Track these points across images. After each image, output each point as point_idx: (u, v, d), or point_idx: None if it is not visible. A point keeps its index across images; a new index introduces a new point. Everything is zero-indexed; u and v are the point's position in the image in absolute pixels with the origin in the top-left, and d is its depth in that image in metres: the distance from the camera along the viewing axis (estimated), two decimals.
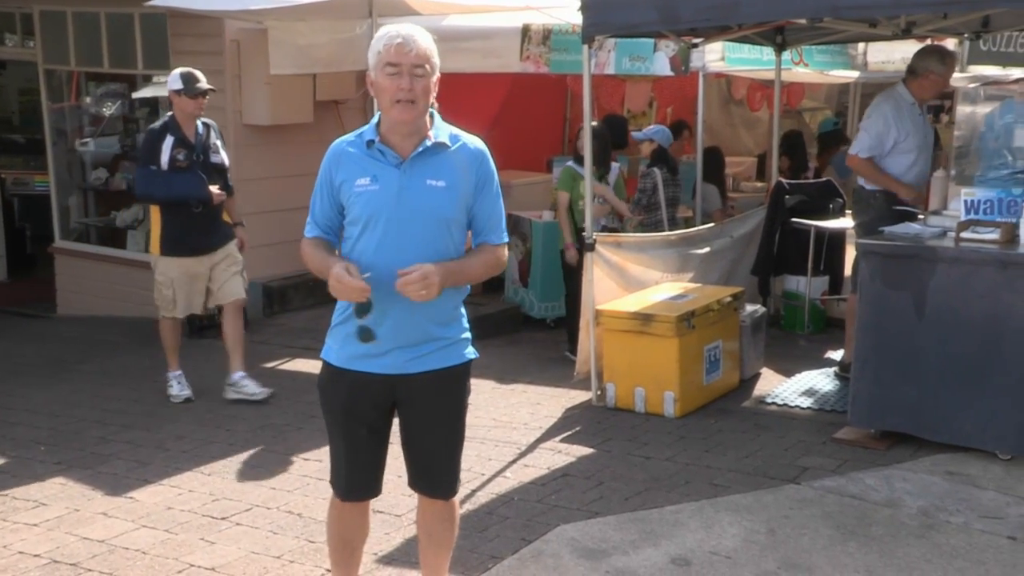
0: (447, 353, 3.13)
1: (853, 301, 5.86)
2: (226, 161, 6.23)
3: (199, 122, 6.06)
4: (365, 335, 3.00)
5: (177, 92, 5.95)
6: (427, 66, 2.96)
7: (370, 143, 3.02)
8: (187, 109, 5.96)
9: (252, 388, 6.15)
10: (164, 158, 5.89)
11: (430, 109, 3.05)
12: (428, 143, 3.01)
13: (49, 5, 9.47)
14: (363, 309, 2.95)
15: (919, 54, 5.99)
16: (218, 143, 6.18)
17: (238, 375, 6.18)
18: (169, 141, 5.91)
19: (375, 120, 3.08)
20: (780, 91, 7.86)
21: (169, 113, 6.09)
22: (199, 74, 6.04)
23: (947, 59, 5.92)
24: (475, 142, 3.11)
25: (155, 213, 6.08)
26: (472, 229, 3.12)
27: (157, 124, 6.06)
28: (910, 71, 5.93)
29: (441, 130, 3.06)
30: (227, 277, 6.19)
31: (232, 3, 7.51)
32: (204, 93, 6.01)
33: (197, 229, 6.04)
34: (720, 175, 9.02)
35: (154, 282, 6.20)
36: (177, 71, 6.04)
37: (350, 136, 3.12)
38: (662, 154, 7.35)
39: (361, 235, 3.02)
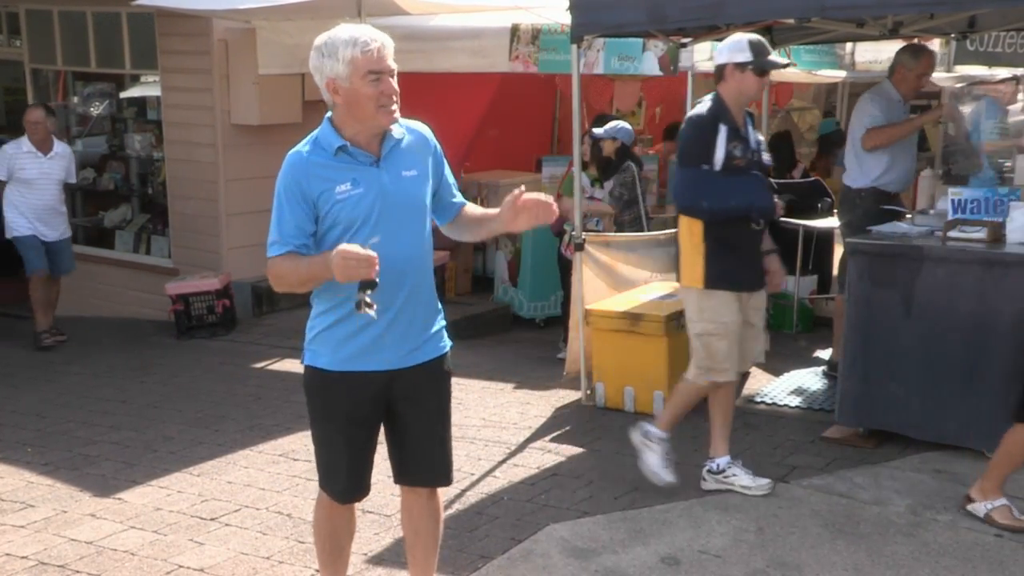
0: (434, 343, 3.19)
1: (841, 301, 5.87)
2: (770, 161, 4.74)
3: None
4: (365, 305, 2.80)
5: (741, 65, 4.33)
6: (395, 67, 3.02)
7: (340, 149, 2.99)
8: (750, 90, 4.40)
9: (744, 479, 4.56)
10: (719, 155, 4.32)
11: None
12: (392, 137, 3.05)
13: (35, 4, 9.44)
14: (368, 285, 2.78)
15: (897, 52, 6.06)
16: (760, 138, 4.62)
17: (723, 460, 4.62)
18: (723, 132, 4.34)
19: (327, 127, 3.03)
20: (768, 91, 7.88)
21: (711, 95, 4.45)
22: (766, 43, 4.43)
23: (920, 55, 5.91)
24: (419, 125, 3.19)
25: (691, 231, 4.43)
26: (442, 199, 3.24)
27: (703, 111, 4.41)
28: (890, 69, 6.02)
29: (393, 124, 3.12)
30: (756, 332, 4.60)
31: (220, 2, 7.49)
32: (772, 69, 4.47)
33: (749, 254, 4.48)
34: None
35: (694, 332, 4.55)
36: (744, 37, 4.38)
37: (304, 147, 3.04)
38: (626, 152, 7.32)
39: (341, 238, 2.94)
